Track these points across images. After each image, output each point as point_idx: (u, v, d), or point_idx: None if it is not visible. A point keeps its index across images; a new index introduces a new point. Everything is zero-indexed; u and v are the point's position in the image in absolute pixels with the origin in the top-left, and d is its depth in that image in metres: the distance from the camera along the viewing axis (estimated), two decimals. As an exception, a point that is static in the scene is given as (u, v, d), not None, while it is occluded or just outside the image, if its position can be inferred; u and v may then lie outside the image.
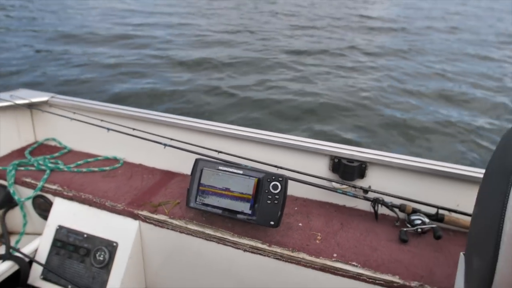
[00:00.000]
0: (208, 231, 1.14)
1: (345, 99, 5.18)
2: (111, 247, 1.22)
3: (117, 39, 8.27)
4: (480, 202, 0.71)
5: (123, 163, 1.56)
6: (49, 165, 1.47)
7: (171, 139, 1.39)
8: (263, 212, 1.08)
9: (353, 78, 6.20)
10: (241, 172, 1.12)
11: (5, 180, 1.44)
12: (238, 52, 7.69)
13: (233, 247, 1.12)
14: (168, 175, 1.48)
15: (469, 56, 8.30)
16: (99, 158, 1.59)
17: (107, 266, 1.20)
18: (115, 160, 1.59)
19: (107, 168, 1.50)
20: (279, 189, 1.07)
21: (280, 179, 1.08)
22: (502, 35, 11.25)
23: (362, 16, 13.95)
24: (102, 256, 1.21)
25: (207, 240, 1.14)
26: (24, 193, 1.43)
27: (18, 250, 1.14)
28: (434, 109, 5.03)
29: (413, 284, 0.96)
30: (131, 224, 1.23)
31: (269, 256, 1.08)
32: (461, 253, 0.78)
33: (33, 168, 1.47)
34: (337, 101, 5.06)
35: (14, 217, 1.50)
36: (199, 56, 7.05)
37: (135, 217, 1.23)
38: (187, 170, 1.49)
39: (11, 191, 1.42)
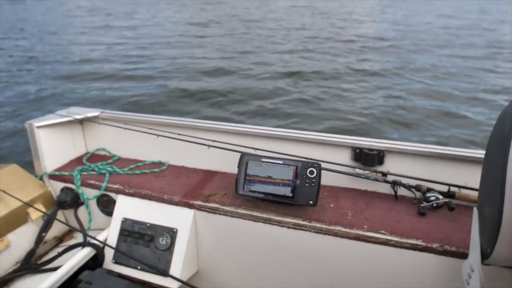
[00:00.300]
0: (256, 213, 1.39)
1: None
2: (172, 233, 1.47)
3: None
4: (485, 166, 0.93)
5: (168, 166, 1.83)
6: (108, 169, 1.73)
7: (213, 140, 1.65)
8: (302, 194, 1.32)
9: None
10: (281, 162, 1.38)
11: (73, 183, 1.70)
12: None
13: (278, 225, 1.36)
14: (210, 174, 1.74)
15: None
16: (146, 162, 1.85)
17: (169, 249, 1.45)
18: (160, 163, 1.85)
19: (156, 170, 1.77)
20: (315, 174, 1.32)
21: (315, 165, 1.34)
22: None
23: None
24: (164, 240, 1.46)
25: (255, 221, 1.39)
26: (89, 194, 1.69)
27: (94, 238, 1.40)
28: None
29: (434, 245, 1.19)
30: (187, 213, 1.48)
31: (310, 231, 1.32)
32: (474, 208, 1.01)
33: (94, 173, 1.74)
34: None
35: (80, 216, 1.76)
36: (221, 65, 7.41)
37: (191, 206, 1.48)
38: (226, 168, 1.76)
39: (79, 192, 1.68)
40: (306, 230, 1.33)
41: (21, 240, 1.63)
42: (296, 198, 1.33)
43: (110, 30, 14.38)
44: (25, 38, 13.53)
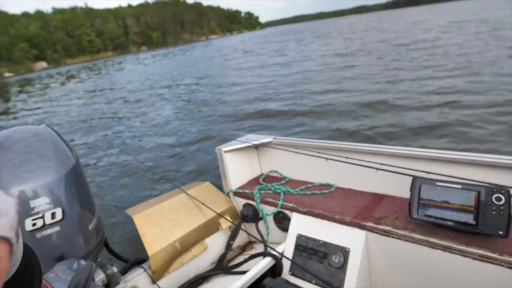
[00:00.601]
0: (433, 239, 1.38)
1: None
2: (344, 252, 1.59)
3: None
4: None
5: (336, 188, 1.97)
6: (282, 189, 2.00)
7: (381, 164, 1.72)
8: (488, 223, 1.26)
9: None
10: (459, 186, 1.35)
11: (253, 200, 2.03)
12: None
13: (460, 255, 1.32)
14: (378, 196, 1.80)
15: None
16: (315, 184, 2.05)
17: (342, 267, 1.57)
18: (329, 185, 2.02)
19: (325, 191, 1.94)
20: (503, 201, 1.25)
21: (503, 191, 1.26)
22: None
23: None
24: (337, 258, 1.59)
25: (432, 248, 1.38)
26: (267, 210, 1.98)
27: (273, 249, 1.63)
28: None
29: None
30: (359, 233, 1.58)
31: (501, 265, 1.24)
32: None
33: (270, 192, 2.03)
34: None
35: (259, 229, 2.07)
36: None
37: (362, 227, 1.58)
38: (395, 192, 1.79)
39: (259, 208, 1.99)
40: (496, 264, 1.25)
41: (215, 244, 2.02)
42: (481, 226, 1.28)
43: (264, 69, 15.99)
44: (203, 78, 16.38)
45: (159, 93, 13.99)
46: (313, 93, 9.16)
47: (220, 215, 2.01)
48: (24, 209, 1.45)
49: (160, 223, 1.92)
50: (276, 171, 2.30)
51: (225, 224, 2.03)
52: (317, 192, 1.94)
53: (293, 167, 2.19)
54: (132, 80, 21.87)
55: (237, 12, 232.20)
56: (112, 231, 3.49)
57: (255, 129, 6.68)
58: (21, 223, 1.42)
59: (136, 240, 2.05)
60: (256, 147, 2.32)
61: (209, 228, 2.01)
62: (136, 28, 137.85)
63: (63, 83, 28.83)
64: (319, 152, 1.98)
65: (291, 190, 1.99)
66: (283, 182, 2.14)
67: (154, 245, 1.82)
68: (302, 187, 2.02)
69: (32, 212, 1.45)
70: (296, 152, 2.05)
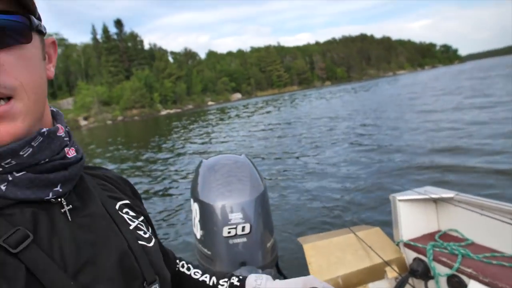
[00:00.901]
0: None
1: None
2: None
3: None
4: None
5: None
6: (461, 251, 1.90)
7: None
8: None
9: None
10: None
11: (424, 255, 1.99)
12: None
13: None
14: None
15: None
16: (505, 254, 1.86)
17: None
18: (521, 258, 1.80)
19: (515, 263, 1.74)
20: None
21: None
22: None
23: None
24: None
25: None
26: (440, 270, 1.91)
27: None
28: None
29: None
30: None
31: None
32: None
33: (445, 251, 1.96)
34: None
35: (429, 288, 2.01)
36: None
37: None
38: None
39: (431, 266, 1.95)
40: None
41: (378, 292, 2.06)
42: None
43: (457, 112, 14.46)
44: (384, 118, 16.16)
45: (336, 130, 14.46)
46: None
47: (387, 263, 2.04)
48: (224, 219, 1.89)
49: (326, 257, 2.10)
50: (456, 231, 2.17)
51: (391, 273, 2.05)
52: (506, 264, 1.76)
53: (477, 230, 2.04)
54: (312, 114, 23.29)
55: (431, 45, 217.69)
56: (281, 252, 3.89)
57: (434, 181, 6.17)
58: (220, 230, 1.87)
59: (301, 267, 2.29)
60: (435, 201, 2.26)
61: (374, 273, 2.07)
62: (321, 64, 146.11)
63: (252, 113, 33.06)
64: (510, 218, 1.80)
65: (471, 254, 1.87)
66: (463, 243, 2.02)
67: (318, 275, 2.01)
68: (486, 254, 1.86)
69: (229, 222, 1.87)
70: (481, 214, 1.93)
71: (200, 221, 1.95)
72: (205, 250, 1.91)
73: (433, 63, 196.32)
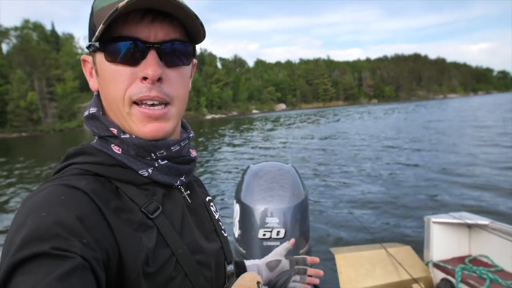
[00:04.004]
0: None
1: None
2: None
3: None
4: None
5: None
6: (490, 276, 1.95)
7: None
8: None
9: None
10: None
11: (453, 277, 2.06)
12: None
13: None
14: None
15: None
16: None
17: None
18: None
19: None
20: None
21: None
22: None
23: None
24: None
25: None
26: (468, 291, 1.97)
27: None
28: None
29: None
30: None
31: None
32: None
33: (474, 275, 2.01)
34: None
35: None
36: None
37: None
38: None
39: (457, 286, 2.01)
40: None
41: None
42: None
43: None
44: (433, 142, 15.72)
45: (377, 147, 14.26)
46: None
47: (415, 280, 2.12)
48: (262, 222, 2.05)
49: (356, 268, 2.22)
50: (487, 257, 2.21)
51: (418, 291, 2.13)
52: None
53: (508, 257, 2.08)
54: (356, 130, 23.00)
55: (487, 70, 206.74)
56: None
57: (470, 207, 6.04)
58: (256, 232, 2.03)
59: (332, 275, 2.42)
60: (469, 226, 2.31)
61: (401, 288, 2.15)
62: (370, 81, 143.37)
63: (297, 124, 33.10)
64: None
65: (500, 280, 1.91)
66: (492, 269, 2.06)
67: (347, 285, 2.13)
68: (514, 282, 1.90)
69: (266, 225, 2.03)
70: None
71: (239, 221, 2.11)
72: (241, 249, 2.06)
73: (487, 88, 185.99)
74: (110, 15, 0.57)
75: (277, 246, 2.05)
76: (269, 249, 2.00)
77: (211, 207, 0.85)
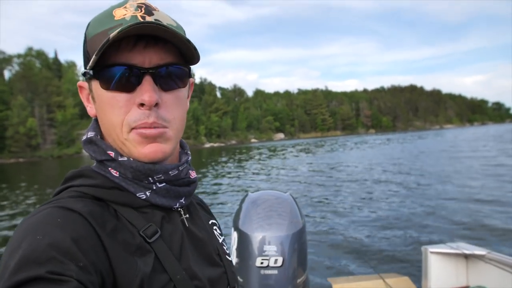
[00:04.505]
0: None
1: None
2: None
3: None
4: None
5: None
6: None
7: None
8: None
9: None
10: None
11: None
12: None
13: None
14: None
15: None
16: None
17: None
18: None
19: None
20: None
21: None
22: None
23: None
24: None
25: None
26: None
27: None
28: None
29: None
30: None
31: None
32: None
33: (472, 306, 2.00)
34: None
35: None
36: None
37: None
38: None
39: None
40: None
41: None
42: None
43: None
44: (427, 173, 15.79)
45: (374, 177, 14.30)
46: None
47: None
48: (259, 250, 2.05)
49: None
50: (484, 287, 2.20)
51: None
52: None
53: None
54: (354, 160, 23.07)
55: (482, 102, 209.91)
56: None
57: (467, 237, 6.06)
58: (254, 260, 2.02)
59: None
60: (466, 256, 2.31)
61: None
62: (367, 111, 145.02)
63: (295, 154, 33.18)
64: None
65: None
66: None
67: None
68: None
69: (263, 254, 2.03)
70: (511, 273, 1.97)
71: (237, 249, 2.11)
72: (238, 277, 2.05)
73: (483, 119, 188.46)
74: (103, 45, 0.57)
75: (275, 274, 2.04)
76: (267, 278, 1.98)
77: (215, 231, 0.84)
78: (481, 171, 14.58)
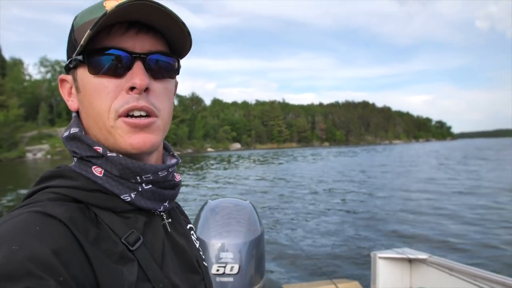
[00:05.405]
0: None
1: None
2: None
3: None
4: None
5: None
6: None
7: None
8: None
9: None
10: None
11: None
12: None
13: None
14: None
15: None
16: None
17: None
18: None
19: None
20: None
21: None
22: None
23: None
24: None
25: None
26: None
27: None
28: None
29: None
30: None
31: None
32: None
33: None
34: None
35: None
36: None
37: None
38: None
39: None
40: None
41: None
42: None
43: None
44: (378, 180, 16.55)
45: (327, 188, 14.81)
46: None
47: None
48: (216, 257, 2.06)
49: None
50: (426, 290, 2.38)
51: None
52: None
53: None
54: (308, 172, 23.65)
55: (427, 120, 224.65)
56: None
57: (413, 242, 6.60)
58: (210, 267, 2.03)
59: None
60: (410, 260, 2.49)
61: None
62: (322, 125, 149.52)
63: (252, 164, 33.39)
64: (474, 280, 2.03)
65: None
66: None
67: None
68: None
69: (220, 261, 2.04)
70: (451, 275, 2.16)
71: None
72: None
73: (427, 136, 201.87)
74: (99, 19, 0.55)
75: (231, 282, 2.06)
76: (222, 285, 1.99)
77: (192, 236, 0.82)
78: (423, 184, 15.55)
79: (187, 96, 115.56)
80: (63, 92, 0.69)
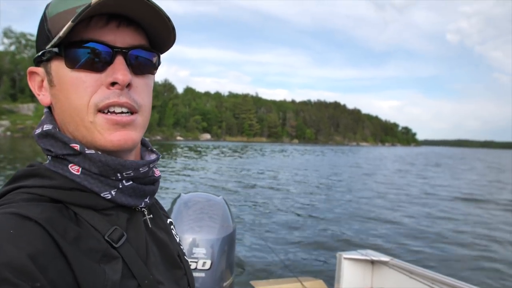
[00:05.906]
0: None
1: None
2: None
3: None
4: None
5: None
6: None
7: None
8: None
9: None
10: None
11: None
12: None
13: None
14: None
15: None
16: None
17: None
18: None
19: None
20: None
21: None
22: None
23: None
24: None
25: None
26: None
27: None
28: None
29: None
30: None
31: None
32: None
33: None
34: None
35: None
36: None
37: None
38: None
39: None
40: None
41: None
42: None
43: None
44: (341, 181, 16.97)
45: (297, 185, 15.06)
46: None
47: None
48: (188, 253, 2.07)
49: None
50: (392, 291, 2.52)
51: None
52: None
53: None
54: (279, 168, 23.92)
55: (394, 125, 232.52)
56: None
57: (379, 245, 6.86)
58: None
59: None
60: (373, 262, 2.62)
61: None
62: (293, 122, 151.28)
63: (223, 156, 33.32)
64: (432, 283, 2.18)
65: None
66: (390, 302, 2.36)
67: None
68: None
69: (192, 256, 2.06)
70: (410, 277, 2.29)
71: None
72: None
73: (393, 141, 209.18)
74: (82, 10, 0.52)
75: (202, 277, 2.08)
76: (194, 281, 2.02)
77: (172, 230, 0.81)
78: (389, 189, 16.15)
79: (160, 82, 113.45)
80: (33, 85, 0.65)
